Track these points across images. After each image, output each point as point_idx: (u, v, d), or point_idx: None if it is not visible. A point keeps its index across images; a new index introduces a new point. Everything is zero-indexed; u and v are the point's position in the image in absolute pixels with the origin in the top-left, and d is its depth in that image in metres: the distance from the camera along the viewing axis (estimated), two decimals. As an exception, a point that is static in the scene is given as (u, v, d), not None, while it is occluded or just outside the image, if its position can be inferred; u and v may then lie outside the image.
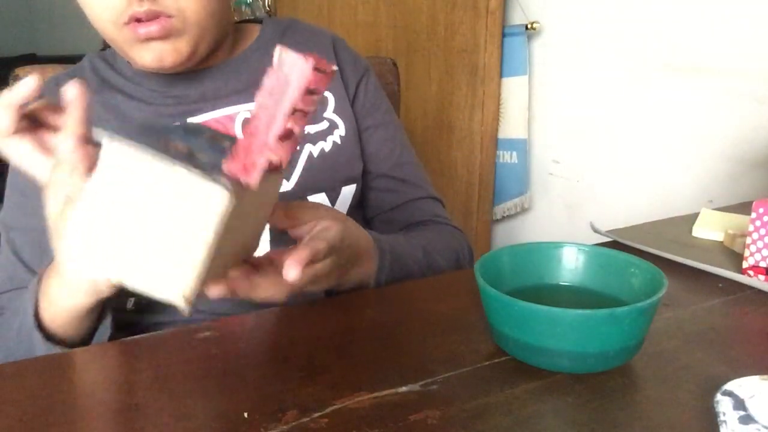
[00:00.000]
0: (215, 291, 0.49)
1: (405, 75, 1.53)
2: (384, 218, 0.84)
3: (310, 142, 0.77)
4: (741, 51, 1.32)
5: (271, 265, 0.53)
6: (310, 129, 0.77)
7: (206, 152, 0.42)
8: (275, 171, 0.44)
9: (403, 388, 0.45)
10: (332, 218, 0.57)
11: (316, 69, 0.41)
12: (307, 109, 0.43)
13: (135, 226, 0.40)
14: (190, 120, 0.74)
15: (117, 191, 0.40)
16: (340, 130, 0.79)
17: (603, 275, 0.54)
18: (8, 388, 0.46)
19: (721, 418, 0.38)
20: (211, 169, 0.40)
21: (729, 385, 0.40)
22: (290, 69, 0.41)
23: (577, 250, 0.55)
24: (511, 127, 1.84)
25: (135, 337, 0.55)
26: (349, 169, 0.80)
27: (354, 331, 0.54)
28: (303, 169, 0.75)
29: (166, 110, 0.74)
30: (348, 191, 0.79)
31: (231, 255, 0.48)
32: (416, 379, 0.46)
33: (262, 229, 0.54)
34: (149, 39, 0.66)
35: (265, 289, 0.52)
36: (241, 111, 0.75)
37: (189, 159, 0.41)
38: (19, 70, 0.86)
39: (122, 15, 0.64)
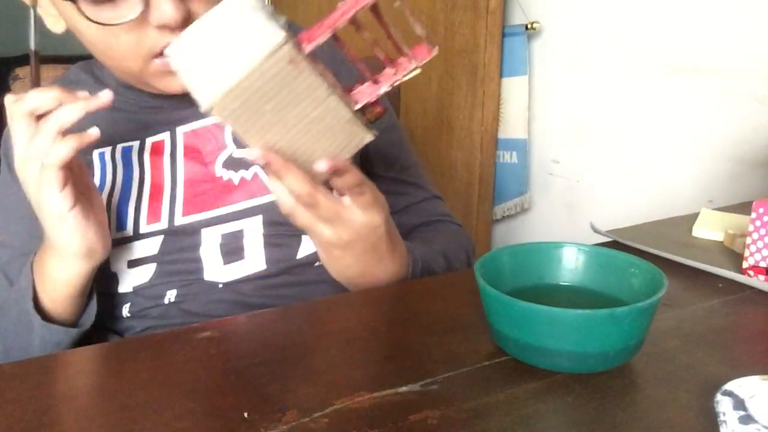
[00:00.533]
0: (322, 165, 0.53)
1: (405, 75, 1.53)
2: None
3: None
4: (741, 51, 1.32)
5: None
6: None
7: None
8: (344, 92, 0.51)
9: (403, 388, 0.45)
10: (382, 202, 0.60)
11: None
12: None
13: (212, 37, 0.46)
14: (179, 129, 0.74)
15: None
16: None
17: (603, 275, 0.54)
18: (8, 388, 0.46)
19: (721, 418, 0.38)
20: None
21: (729, 385, 0.40)
22: None
23: (577, 250, 0.55)
24: (511, 127, 1.84)
25: (135, 337, 0.55)
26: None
27: (354, 331, 0.54)
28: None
29: (156, 119, 0.75)
30: None
31: (297, 148, 0.52)
32: (416, 379, 0.46)
33: (328, 156, 0.54)
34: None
35: (341, 215, 0.56)
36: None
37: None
38: (19, 70, 0.86)
39: (156, 45, 0.63)
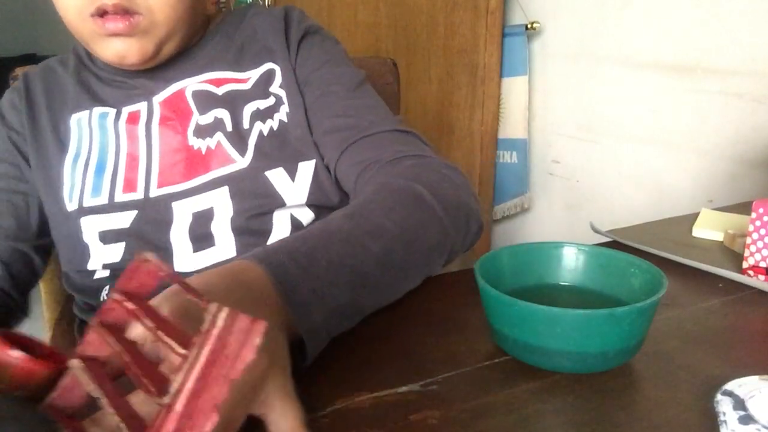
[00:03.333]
0: None
1: (405, 75, 1.53)
2: (340, 173, 0.73)
3: (260, 120, 0.74)
4: (741, 51, 1.32)
5: None
6: (259, 105, 0.75)
7: None
8: None
9: (403, 388, 0.45)
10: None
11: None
12: None
13: None
14: (155, 98, 0.75)
15: None
16: (286, 107, 0.75)
17: (603, 275, 0.54)
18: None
19: (721, 418, 0.38)
20: None
21: (729, 385, 0.40)
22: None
23: (577, 250, 0.55)
24: (511, 127, 1.84)
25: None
26: (300, 145, 0.74)
27: (354, 331, 0.54)
28: (255, 148, 0.73)
29: (134, 92, 0.75)
30: (306, 167, 0.74)
31: None
32: (416, 379, 0.46)
33: None
34: (114, 35, 0.66)
35: None
36: (190, 84, 0.75)
37: None
38: (18, 70, 0.87)
39: (89, 6, 0.64)
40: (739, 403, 0.38)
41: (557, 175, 1.82)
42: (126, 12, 0.65)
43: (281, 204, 0.72)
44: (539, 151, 1.86)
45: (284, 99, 0.76)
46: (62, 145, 0.75)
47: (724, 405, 0.39)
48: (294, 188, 0.73)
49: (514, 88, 1.81)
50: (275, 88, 0.76)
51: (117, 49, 0.67)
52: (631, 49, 1.53)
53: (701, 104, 1.41)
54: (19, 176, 0.77)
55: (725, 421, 0.37)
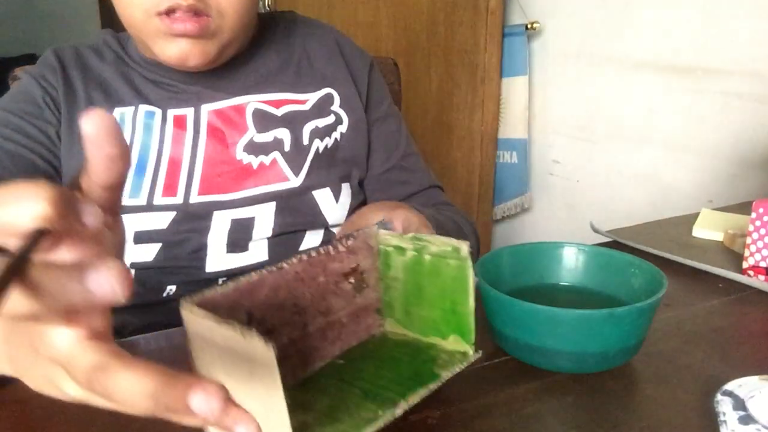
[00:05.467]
0: None
1: (405, 75, 1.53)
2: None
3: (318, 137, 0.77)
4: (741, 51, 1.32)
5: None
6: (318, 123, 0.78)
7: None
8: None
9: (403, 388, 0.45)
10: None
11: None
12: None
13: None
14: (204, 106, 0.74)
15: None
16: (343, 126, 0.80)
17: (603, 275, 0.54)
18: (12, 388, 0.46)
19: (721, 418, 0.38)
20: None
21: (729, 385, 0.40)
22: None
23: (577, 250, 0.55)
24: (511, 127, 1.84)
25: (135, 337, 0.55)
26: (352, 164, 0.80)
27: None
28: (310, 165, 0.75)
29: (180, 96, 0.74)
30: (347, 188, 0.79)
31: None
32: (416, 379, 0.46)
33: None
34: (181, 35, 0.65)
35: None
36: (251, 101, 0.75)
37: None
38: (18, 70, 0.86)
39: (161, 3, 0.63)
40: (739, 403, 0.38)
41: (557, 175, 1.82)
42: (197, 13, 0.64)
43: (323, 223, 0.75)
44: (539, 151, 1.86)
45: (343, 118, 0.80)
46: None
47: (724, 405, 0.39)
48: (337, 209, 0.76)
49: (514, 88, 1.81)
50: (335, 107, 0.80)
51: (181, 49, 0.66)
52: (631, 49, 1.53)
53: (701, 104, 1.41)
54: (50, 149, 0.72)
55: (725, 421, 0.37)
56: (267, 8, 2.12)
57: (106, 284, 0.26)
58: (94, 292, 0.26)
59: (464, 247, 0.43)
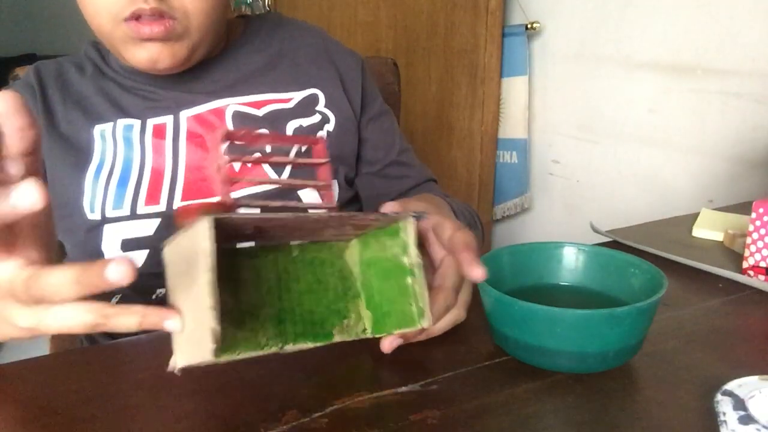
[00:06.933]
0: None
1: (405, 75, 1.53)
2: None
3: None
4: (741, 51, 1.32)
5: None
6: (302, 122, 0.77)
7: None
8: None
9: (403, 388, 0.45)
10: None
11: None
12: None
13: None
14: (183, 113, 0.74)
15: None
16: (330, 125, 0.79)
17: (603, 275, 0.54)
18: (9, 388, 0.46)
19: (721, 418, 0.38)
20: None
21: (729, 385, 0.40)
22: None
23: (577, 250, 0.55)
24: (511, 127, 1.84)
25: (135, 337, 0.55)
26: (338, 162, 0.79)
27: (354, 331, 0.54)
28: (293, 166, 0.75)
29: (159, 104, 0.75)
30: (334, 184, 0.78)
31: None
32: (416, 379, 0.46)
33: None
34: (149, 39, 0.65)
35: None
36: (230, 104, 0.75)
37: None
38: (18, 70, 0.87)
39: (124, 9, 0.64)
40: (739, 403, 0.38)
41: (557, 175, 1.82)
42: (162, 16, 0.64)
43: (297, 199, 0.74)
44: (539, 151, 1.86)
45: (330, 117, 0.79)
46: (84, 156, 0.73)
47: (724, 405, 0.39)
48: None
49: (514, 88, 1.81)
50: (320, 107, 0.79)
51: (151, 53, 0.66)
52: (631, 49, 1.53)
53: (701, 104, 1.41)
54: None
55: (725, 421, 0.37)
56: (267, 8, 2.12)
57: (27, 195, 0.33)
58: (16, 203, 0.33)
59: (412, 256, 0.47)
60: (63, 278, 0.35)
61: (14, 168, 0.35)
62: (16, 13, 3.80)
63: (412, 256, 0.47)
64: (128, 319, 0.38)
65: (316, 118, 0.78)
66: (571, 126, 1.74)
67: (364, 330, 0.50)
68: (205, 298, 0.37)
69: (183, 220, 0.41)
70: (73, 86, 0.76)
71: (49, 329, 0.39)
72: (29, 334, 0.41)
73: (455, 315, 0.50)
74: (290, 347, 0.45)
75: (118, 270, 0.33)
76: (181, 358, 0.40)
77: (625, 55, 1.55)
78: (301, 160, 0.51)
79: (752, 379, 0.40)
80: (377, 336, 0.49)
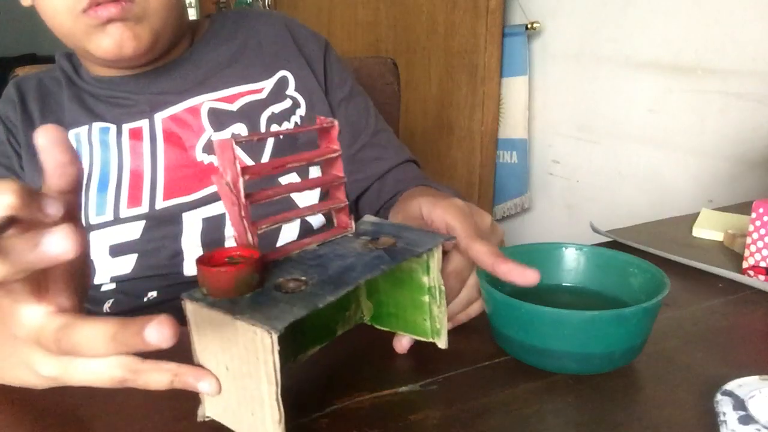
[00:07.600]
0: None
1: (405, 75, 1.53)
2: (375, 188, 0.83)
3: (276, 123, 0.77)
4: (741, 51, 1.32)
5: None
6: (274, 109, 0.77)
7: None
8: None
9: (403, 388, 0.45)
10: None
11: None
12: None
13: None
14: (158, 115, 0.75)
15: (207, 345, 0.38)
16: (301, 110, 0.79)
17: (603, 275, 0.54)
18: (9, 388, 0.46)
19: (721, 418, 0.38)
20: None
21: (729, 385, 0.40)
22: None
23: (577, 250, 0.55)
24: (511, 127, 1.84)
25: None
26: (314, 147, 0.78)
27: (354, 330, 0.54)
28: (271, 153, 0.75)
29: (133, 109, 0.75)
30: (316, 171, 0.77)
31: None
32: (416, 379, 0.46)
33: None
34: (109, 21, 0.65)
35: None
36: (204, 102, 0.76)
37: None
38: (18, 70, 0.87)
39: (81, 1, 0.64)
40: (739, 403, 0.38)
41: (557, 175, 1.82)
42: (118, 0, 0.65)
43: (294, 208, 0.73)
44: (539, 151, 1.86)
45: (300, 101, 0.79)
46: None
47: (724, 405, 0.39)
48: (305, 192, 0.75)
49: (514, 88, 1.81)
50: (291, 91, 0.79)
51: (114, 38, 0.66)
52: (631, 49, 1.53)
53: (701, 104, 1.41)
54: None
55: (725, 421, 0.37)
56: (267, 8, 2.12)
57: (59, 243, 0.30)
58: (48, 251, 0.30)
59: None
60: (98, 333, 0.33)
61: (52, 207, 0.32)
62: (16, 13, 3.80)
63: (434, 280, 0.47)
64: (159, 376, 0.36)
65: (287, 104, 0.78)
66: (571, 126, 1.74)
67: (362, 317, 0.52)
68: (269, 410, 0.36)
69: (211, 283, 0.38)
70: (51, 97, 0.77)
71: (72, 381, 0.37)
72: (49, 384, 0.39)
73: (480, 304, 0.52)
74: (302, 356, 0.46)
75: (161, 333, 0.30)
76: (212, 413, 0.40)
77: (625, 55, 1.55)
78: (314, 181, 0.52)
79: (752, 379, 0.40)
80: (375, 325, 0.50)
